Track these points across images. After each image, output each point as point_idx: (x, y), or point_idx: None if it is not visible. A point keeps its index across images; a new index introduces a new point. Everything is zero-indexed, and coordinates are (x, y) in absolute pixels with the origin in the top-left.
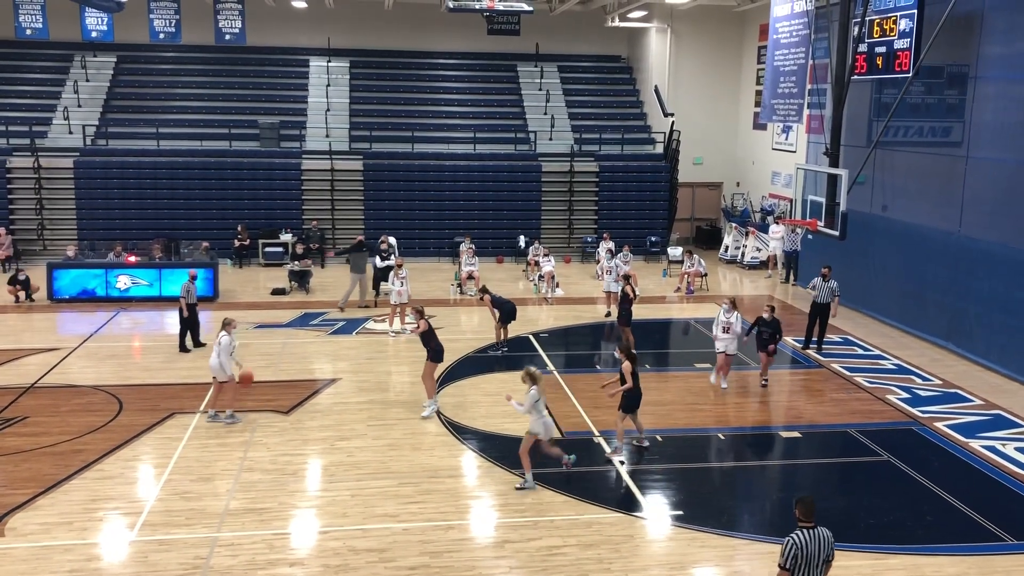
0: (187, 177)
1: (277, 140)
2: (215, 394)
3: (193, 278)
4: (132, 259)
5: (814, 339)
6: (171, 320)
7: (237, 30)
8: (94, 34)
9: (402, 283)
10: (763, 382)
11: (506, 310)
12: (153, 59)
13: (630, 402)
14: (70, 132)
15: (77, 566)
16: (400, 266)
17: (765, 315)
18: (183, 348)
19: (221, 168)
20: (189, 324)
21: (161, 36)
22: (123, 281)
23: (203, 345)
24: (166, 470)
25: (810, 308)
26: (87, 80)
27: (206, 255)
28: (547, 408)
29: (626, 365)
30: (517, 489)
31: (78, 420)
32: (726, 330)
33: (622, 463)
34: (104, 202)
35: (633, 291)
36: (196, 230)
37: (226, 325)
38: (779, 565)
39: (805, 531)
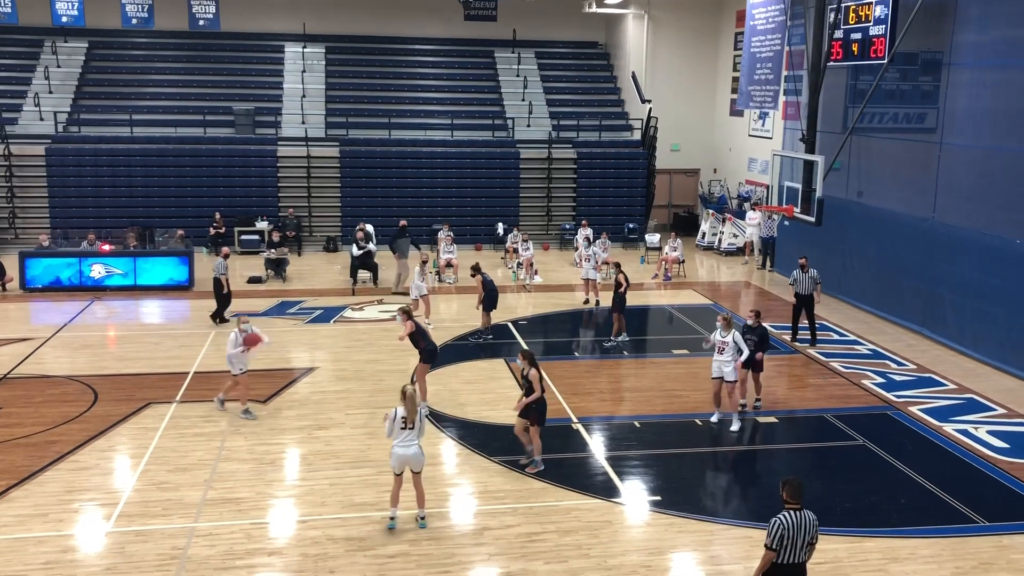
0: (161, 164)
1: (252, 127)
2: (230, 386)
3: (226, 255)
4: (106, 247)
5: (804, 326)
6: (146, 309)
7: (211, 15)
8: (65, 19)
9: (423, 278)
10: (754, 402)
11: (489, 296)
12: (126, 44)
13: (542, 414)
14: (41, 119)
15: (52, 558)
16: (425, 262)
17: (750, 321)
18: (222, 320)
19: (196, 155)
20: (223, 299)
21: (134, 21)
22: (97, 270)
23: (226, 321)
24: (142, 460)
25: (795, 300)
26: (58, 66)
27: (181, 243)
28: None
29: (534, 373)
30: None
31: (52, 411)
32: (722, 351)
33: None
34: (77, 190)
35: (626, 279)
36: (171, 218)
37: (240, 322)
38: (765, 545)
39: (792, 513)
